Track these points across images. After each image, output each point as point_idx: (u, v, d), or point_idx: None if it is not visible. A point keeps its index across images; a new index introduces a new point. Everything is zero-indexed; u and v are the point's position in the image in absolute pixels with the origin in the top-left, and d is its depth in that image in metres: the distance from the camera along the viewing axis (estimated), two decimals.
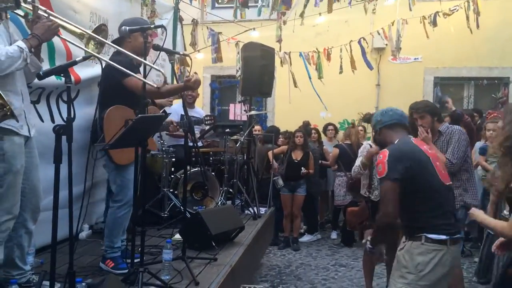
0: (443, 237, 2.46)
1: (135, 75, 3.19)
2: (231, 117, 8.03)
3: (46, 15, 2.65)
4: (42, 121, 3.46)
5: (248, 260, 4.14)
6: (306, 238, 7.06)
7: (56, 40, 3.45)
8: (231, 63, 8.21)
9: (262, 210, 5.57)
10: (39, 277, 2.80)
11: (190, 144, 3.53)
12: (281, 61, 8.03)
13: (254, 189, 5.72)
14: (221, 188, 5.32)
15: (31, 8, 2.62)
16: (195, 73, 3.36)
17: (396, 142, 2.71)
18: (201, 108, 7.47)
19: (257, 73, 5.88)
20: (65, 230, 2.51)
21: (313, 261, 6.05)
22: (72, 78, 3.26)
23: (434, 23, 7.48)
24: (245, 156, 5.88)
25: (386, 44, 8.34)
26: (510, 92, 8.52)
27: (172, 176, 5.02)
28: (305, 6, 6.99)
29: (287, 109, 8.58)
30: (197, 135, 5.13)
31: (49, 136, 2.42)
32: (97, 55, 2.90)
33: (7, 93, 2.44)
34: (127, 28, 3.23)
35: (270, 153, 6.61)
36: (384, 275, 4.84)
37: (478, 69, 8.69)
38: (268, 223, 5.43)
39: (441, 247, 2.45)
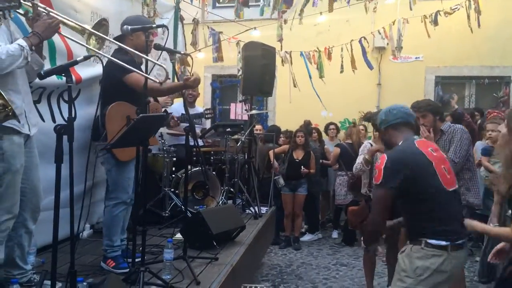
0: (443, 242, 2.40)
1: (137, 70, 3.19)
2: (232, 116, 8.01)
3: (46, 12, 2.65)
4: (43, 120, 3.46)
5: (249, 259, 4.14)
6: (307, 237, 7.06)
7: (57, 39, 3.46)
8: (232, 62, 8.21)
9: (263, 209, 5.57)
10: (40, 276, 2.80)
11: (191, 143, 3.53)
12: (282, 61, 8.03)
13: (255, 189, 5.72)
14: (222, 188, 5.32)
15: (31, 5, 2.62)
16: (193, 73, 3.36)
17: (399, 144, 2.63)
18: (202, 107, 7.47)
19: (258, 72, 5.88)
20: (66, 229, 2.51)
21: (314, 261, 6.05)
22: (73, 77, 3.26)
23: (435, 22, 7.47)
24: (246, 156, 5.88)
25: (387, 43, 8.33)
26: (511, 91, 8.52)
27: (173, 175, 5.03)
28: (304, 5, 6.99)
29: (288, 108, 8.57)
30: (198, 134, 5.14)
31: (50, 135, 2.42)
32: (98, 51, 2.90)
33: (8, 92, 2.44)
34: (129, 27, 3.23)
35: (271, 153, 6.61)
36: (385, 274, 4.84)
37: (479, 68, 8.68)
38: (269, 223, 5.43)
39: (441, 253, 2.40)
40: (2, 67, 2.42)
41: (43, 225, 2.95)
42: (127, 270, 3.14)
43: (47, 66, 2.99)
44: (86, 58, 2.61)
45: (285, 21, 7.24)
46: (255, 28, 7.82)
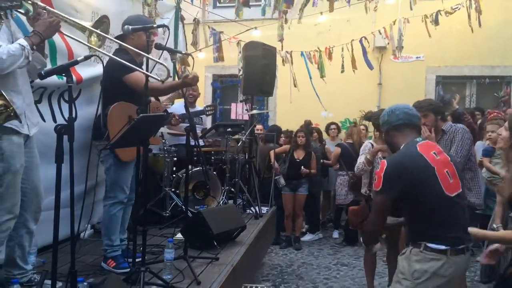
0: (442, 247, 2.35)
1: (138, 68, 3.19)
2: (233, 116, 8.03)
3: (46, 11, 2.65)
4: (44, 120, 3.46)
5: (249, 259, 4.14)
6: (307, 237, 7.06)
7: (57, 39, 3.46)
8: (232, 62, 8.22)
9: (264, 209, 5.57)
10: (40, 276, 2.80)
11: (192, 143, 3.53)
12: (282, 60, 8.03)
13: (256, 189, 5.71)
14: (222, 188, 5.32)
15: (31, 3, 2.62)
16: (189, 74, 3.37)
17: (401, 148, 2.58)
18: (202, 107, 7.48)
19: (258, 72, 5.88)
20: (66, 229, 2.50)
21: (315, 260, 6.05)
22: (74, 77, 3.27)
23: (436, 22, 7.47)
24: (246, 156, 5.88)
25: (388, 43, 8.33)
26: None
27: (174, 175, 5.03)
28: (305, 5, 6.98)
29: (289, 108, 8.57)
30: (199, 134, 5.14)
31: (51, 135, 2.42)
32: (99, 49, 2.90)
33: (9, 92, 2.44)
34: (130, 27, 3.24)
35: (271, 153, 6.61)
36: (385, 274, 4.84)
37: (480, 67, 8.67)
38: (269, 223, 5.43)
39: (440, 257, 2.35)
40: (3, 67, 2.42)
41: (44, 225, 2.95)
42: (128, 270, 3.14)
43: (48, 66, 2.99)
44: (86, 58, 2.60)
45: (286, 21, 7.24)
46: (255, 28, 7.83)
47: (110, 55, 3.29)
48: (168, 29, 3.35)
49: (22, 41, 2.49)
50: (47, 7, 2.69)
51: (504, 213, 3.62)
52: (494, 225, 3.99)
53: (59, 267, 2.47)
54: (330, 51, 8.05)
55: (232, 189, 5.52)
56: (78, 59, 2.56)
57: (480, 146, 5.28)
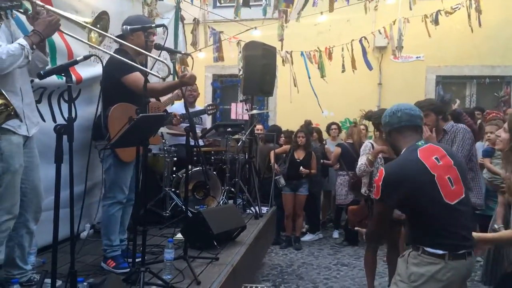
0: (440, 251, 2.32)
1: (139, 66, 3.20)
2: (233, 116, 8.02)
3: (45, 10, 2.64)
4: (44, 120, 3.46)
5: (250, 259, 4.14)
6: (308, 237, 7.06)
7: (57, 39, 3.46)
8: (232, 62, 8.21)
9: (264, 209, 5.57)
10: (40, 276, 2.80)
11: (192, 143, 3.53)
12: (282, 60, 8.02)
13: (256, 189, 5.71)
14: (222, 188, 5.32)
15: (30, 2, 2.62)
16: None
17: (402, 152, 2.53)
18: (203, 107, 7.48)
19: (258, 72, 5.88)
20: (66, 229, 2.50)
21: (315, 260, 6.05)
22: (73, 77, 3.27)
23: (436, 22, 7.47)
24: (246, 155, 5.88)
25: (388, 43, 8.33)
26: None
27: (174, 175, 5.03)
28: (305, 4, 6.98)
29: (289, 108, 8.57)
30: (198, 134, 5.14)
31: (51, 135, 2.42)
32: (99, 47, 2.90)
33: (7, 93, 2.44)
34: (128, 27, 3.24)
35: (272, 153, 6.61)
36: (386, 274, 4.83)
37: (480, 67, 8.66)
38: (270, 223, 5.42)
39: (437, 261, 2.32)
40: (3, 67, 2.42)
41: (44, 225, 2.95)
42: (128, 270, 3.14)
43: (47, 66, 2.98)
44: (86, 58, 2.60)
45: (287, 21, 7.23)
46: (255, 28, 7.82)
47: (111, 53, 3.29)
48: (167, 29, 3.35)
49: (22, 40, 2.49)
50: (46, 5, 2.69)
51: (505, 213, 3.61)
52: (496, 226, 3.98)
53: (59, 267, 2.47)
54: (330, 51, 8.05)
55: (232, 189, 5.52)
56: (78, 59, 2.56)
57: (479, 146, 5.27)
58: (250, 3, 6.93)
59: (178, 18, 6.30)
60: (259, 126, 7.35)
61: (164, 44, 3.22)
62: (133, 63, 3.18)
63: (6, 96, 2.30)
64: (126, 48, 3.35)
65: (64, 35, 3.47)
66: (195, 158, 4.96)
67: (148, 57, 3.23)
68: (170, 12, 6.09)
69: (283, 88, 8.31)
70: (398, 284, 2.46)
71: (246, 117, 6.42)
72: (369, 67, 8.07)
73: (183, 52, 5.92)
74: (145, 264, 2.95)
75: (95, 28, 2.88)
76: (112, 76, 3.27)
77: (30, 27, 2.69)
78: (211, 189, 5.01)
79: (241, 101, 6.66)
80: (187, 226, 3.86)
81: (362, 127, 7.24)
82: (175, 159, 4.98)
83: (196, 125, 5.23)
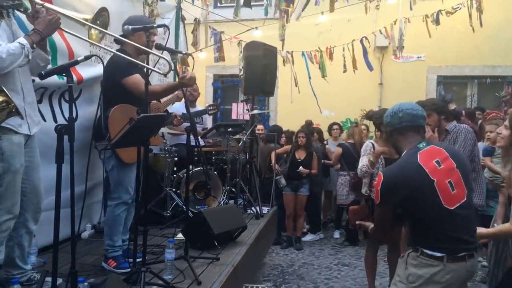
0: (439, 254, 2.30)
1: (141, 63, 3.20)
2: (234, 116, 8.01)
3: (45, 8, 2.64)
4: (45, 120, 3.46)
5: (250, 259, 4.14)
6: (308, 237, 7.06)
7: (58, 39, 3.46)
8: (233, 62, 8.20)
9: (265, 209, 5.57)
10: (41, 275, 2.80)
11: (193, 143, 3.53)
12: (283, 60, 8.02)
13: (257, 189, 5.71)
14: (223, 188, 5.32)
15: (29, 1, 2.62)
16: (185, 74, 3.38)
17: (403, 154, 2.50)
18: (203, 107, 7.49)
19: (259, 72, 5.88)
20: (67, 229, 2.50)
21: (315, 261, 6.04)
22: (74, 77, 3.27)
23: (437, 22, 7.46)
24: (247, 156, 5.88)
25: (389, 43, 8.32)
26: None
27: (175, 175, 5.03)
28: (306, 4, 6.98)
29: (290, 108, 8.57)
30: (200, 133, 5.14)
31: (51, 135, 2.42)
32: (100, 45, 2.89)
33: (8, 92, 2.44)
34: (130, 27, 3.24)
35: (273, 154, 6.61)
36: (386, 275, 4.83)
37: (481, 67, 8.65)
38: (270, 223, 5.42)
39: (436, 263, 2.30)
40: (3, 66, 2.42)
41: (44, 225, 2.95)
42: (128, 270, 3.14)
43: (48, 66, 2.98)
44: (87, 58, 2.60)
45: (287, 20, 7.23)
46: (256, 28, 7.82)
47: (114, 51, 3.30)
48: (168, 29, 3.35)
49: (22, 39, 2.49)
50: (45, 4, 2.68)
51: (506, 213, 3.61)
52: (496, 225, 3.98)
53: (59, 267, 2.47)
54: (331, 51, 8.05)
55: (233, 189, 5.52)
56: (79, 59, 2.56)
57: (480, 146, 5.26)
58: (252, 3, 6.92)
59: (179, 18, 6.30)
60: (260, 126, 7.35)
61: (166, 44, 3.21)
62: (135, 60, 3.18)
63: (7, 93, 2.30)
64: (127, 48, 3.36)
65: (64, 34, 3.48)
66: (196, 158, 4.96)
67: (149, 58, 3.23)
68: (171, 12, 6.09)
69: (284, 88, 8.31)
70: (397, 284, 2.46)
71: (247, 117, 6.43)
72: (370, 68, 8.07)
73: (184, 52, 5.92)
74: (146, 264, 2.95)
75: (95, 26, 2.87)
76: (112, 77, 3.28)
77: (30, 27, 2.69)
78: (212, 189, 5.00)
79: (242, 101, 6.66)
80: (188, 226, 3.86)
81: (363, 127, 7.24)
82: (176, 159, 4.98)
83: (197, 125, 5.23)
